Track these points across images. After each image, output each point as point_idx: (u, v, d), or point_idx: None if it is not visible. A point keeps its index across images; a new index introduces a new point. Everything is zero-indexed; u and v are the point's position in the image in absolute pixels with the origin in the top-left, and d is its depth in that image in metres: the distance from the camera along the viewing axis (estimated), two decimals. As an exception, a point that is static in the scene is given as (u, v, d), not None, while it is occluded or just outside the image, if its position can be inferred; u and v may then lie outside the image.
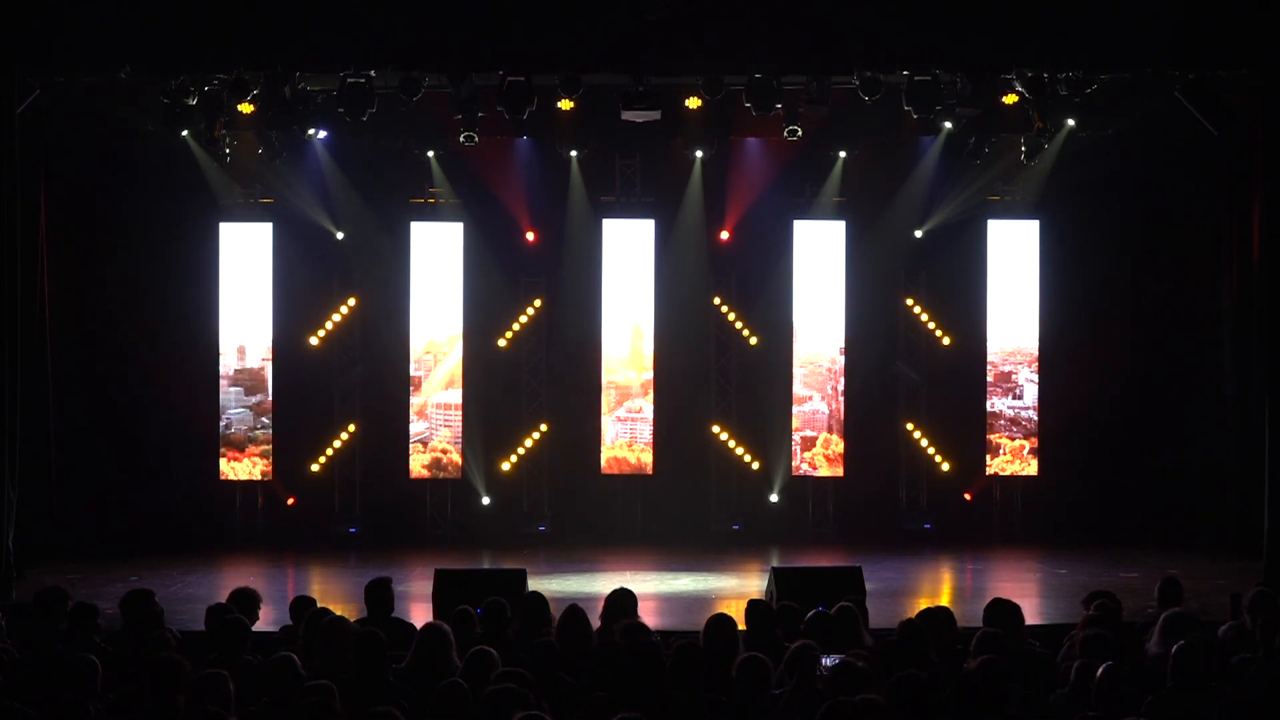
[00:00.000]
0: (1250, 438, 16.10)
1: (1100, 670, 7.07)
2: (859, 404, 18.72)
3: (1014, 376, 18.61)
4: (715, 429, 18.92)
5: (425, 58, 14.96)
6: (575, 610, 8.70)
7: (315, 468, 18.60)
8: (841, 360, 18.58)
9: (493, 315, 18.77)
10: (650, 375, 18.65)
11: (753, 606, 9.18)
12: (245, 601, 9.51)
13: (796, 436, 18.59)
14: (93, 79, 15.05)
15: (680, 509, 18.68)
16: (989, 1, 14.62)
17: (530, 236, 18.71)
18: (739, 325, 18.95)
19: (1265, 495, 14.79)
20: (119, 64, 14.53)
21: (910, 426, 18.92)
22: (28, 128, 15.21)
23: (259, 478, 18.32)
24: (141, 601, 9.35)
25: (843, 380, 18.57)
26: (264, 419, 18.24)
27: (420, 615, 11.03)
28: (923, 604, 11.28)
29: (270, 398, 18.27)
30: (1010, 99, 15.59)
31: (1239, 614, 9.28)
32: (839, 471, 18.67)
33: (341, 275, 18.68)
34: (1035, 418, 18.53)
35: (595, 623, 8.93)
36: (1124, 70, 15.07)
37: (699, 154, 18.00)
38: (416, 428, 18.45)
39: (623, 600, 9.34)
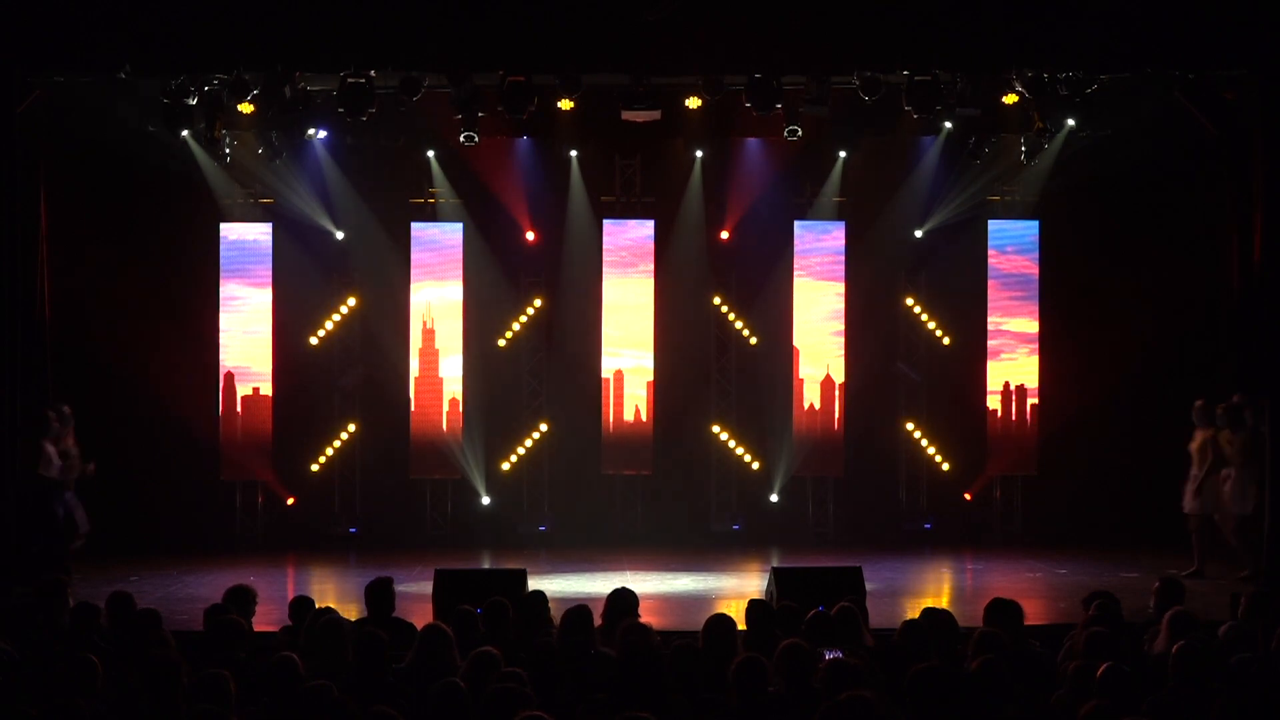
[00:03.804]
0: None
1: (1100, 670, 7.08)
2: (859, 404, 18.71)
3: (1014, 375, 18.61)
4: (715, 429, 18.91)
5: (425, 58, 14.95)
6: (577, 610, 8.69)
7: (315, 468, 18.60)
8: (841, 360, 18.57)
9: (493, 315, 18.77)
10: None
11: (753, 606, 9.19)
12: (241, 599, 9.51)
13: (796, 436, 18.58)
14: (93, 79, 15.06)
15: (680, 509, 18.69)
16: (989, 1, 14.62)
17: (530, 236, 18.70)
18: (739, 325, 18.94)
19: (1265, 495, 14.78)
20: (119, 64, 14.52)
21: (910, 426, 18.91)
22: (28, 128, 15.20)
23: (258, 478, 18.33)
24: (125, 604, 9.37)
25: (843, 380, 18.57)
26: (263, 418, 18.24)
27: (420, 615, 11.00)
28: (923, 604, 11.27)
29: (270, 398, 18.27)
30: (1010, 99, 15.59)
31: (1239, 614, 9.29)
32: (839, 471, 18.68)
33: (341, 275, 18.67)
34: (1035, 417, 18.53)
35: (596, 621, 8.92)
36: (1124, 70, 15.06)
37: (699, 154, 18.00)
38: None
39: (624, 600, 9.34)
